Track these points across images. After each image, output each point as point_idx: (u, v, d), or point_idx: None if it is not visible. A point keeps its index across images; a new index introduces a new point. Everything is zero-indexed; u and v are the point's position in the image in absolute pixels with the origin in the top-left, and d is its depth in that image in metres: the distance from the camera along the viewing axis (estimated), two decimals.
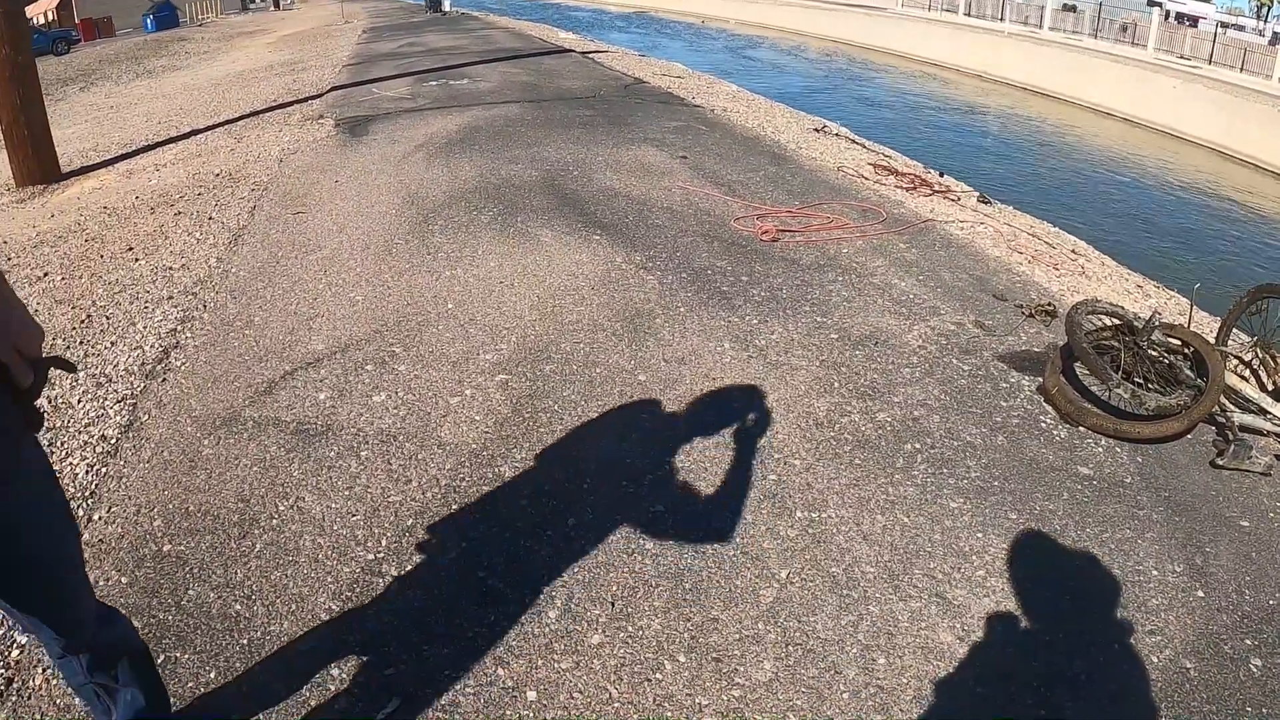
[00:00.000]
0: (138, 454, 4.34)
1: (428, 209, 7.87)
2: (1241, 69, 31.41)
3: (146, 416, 4.67)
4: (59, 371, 4.44)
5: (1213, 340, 6.14)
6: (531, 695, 3.07)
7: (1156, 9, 43.45)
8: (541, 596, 3.47)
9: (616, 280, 6.33)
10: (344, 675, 3.07)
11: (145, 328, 5.72)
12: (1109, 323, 5.88)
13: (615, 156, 10.11)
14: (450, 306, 5.79)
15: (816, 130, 13.35)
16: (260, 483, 4.09)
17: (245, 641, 3.19)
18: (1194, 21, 48.94)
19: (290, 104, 14.98)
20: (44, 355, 1.97)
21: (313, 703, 2.95)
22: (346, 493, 4.01)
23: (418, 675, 3.10)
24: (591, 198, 8.30)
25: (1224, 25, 48.23)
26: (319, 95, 15.54)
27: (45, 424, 4.45)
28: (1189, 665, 3.58)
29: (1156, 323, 5.63)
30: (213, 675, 3.04)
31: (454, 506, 3.94)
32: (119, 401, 4.81)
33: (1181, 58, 34.08)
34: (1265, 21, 54.75)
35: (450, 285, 6.12)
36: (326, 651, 3.16)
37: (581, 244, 6.96)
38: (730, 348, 5.50)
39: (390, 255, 6.70)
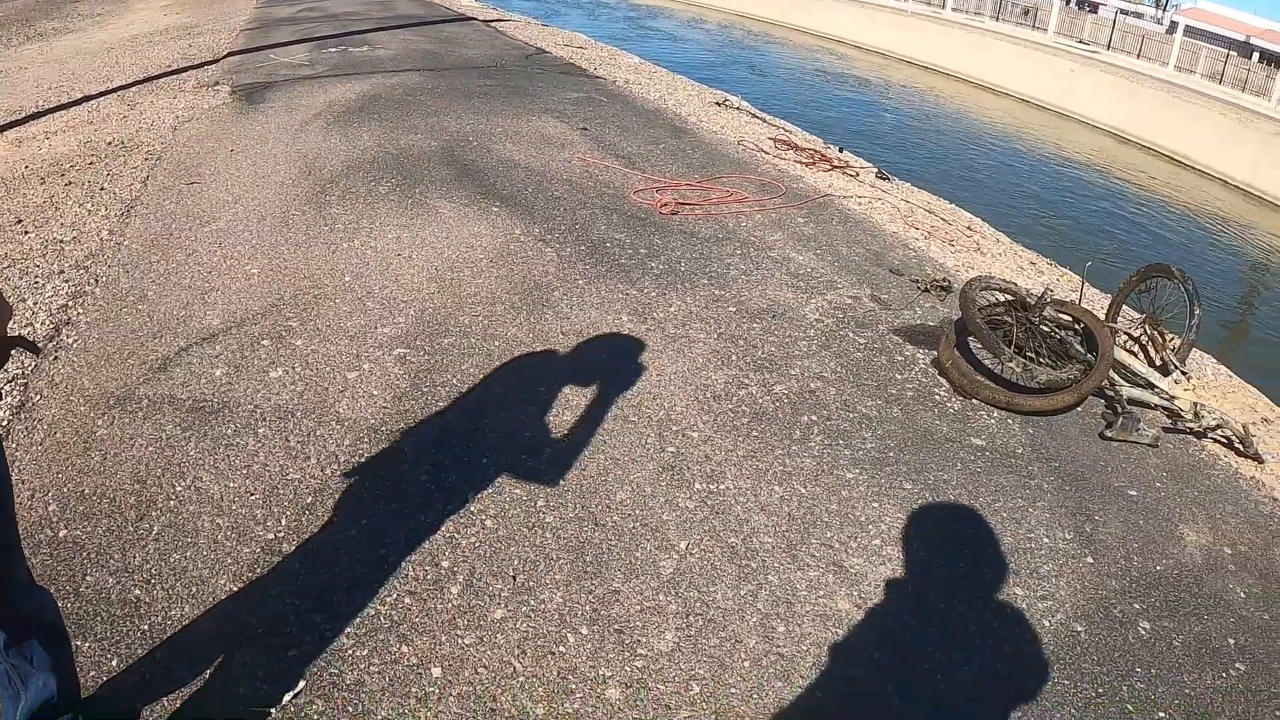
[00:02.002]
0: (30, 436, 4.18)
1: (325, 179, 7.69)
2: (1139, 55, 32.15)
3: (38, 397, 4.49)
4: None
5: (1103, 317, 6.33)
6: (436, 672, 3.05)
7: None
8: (443, 572, 3.45)
9: (515, 252, 6.27)
10: (248, 658, 3.02)
11: (35, 304, 5.48)
12: (1002, 298, 6.02)
13: (515, 127, 10.00)
14: (348, 279, 5.68)
15: (718, 104, 13.36)
16: (156, 463, 3.97)
17: (146, 627, 3.11)
18: (1094, 7, 49.94)
19: (185, 70, 14.46)
20: (9, 335, 1.93)
21: (217, 687, 2.90)
22: (245, 471, 3.92)
23: (322, 655, 3.06)
24: (491, 168, 8.21)
25: (1124, 12, 49.28)
26: (215, 61, 15.03)
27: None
28: (1080, 629, 3.71)
29: (1048, 299, 5.78)
30: (115, 663, 2.96)
31: (353, 483, 3.89)
32: (9, 382, 4.61)
33: (1081, 42, 34.71)
34: (1164, 10, 56.11)
35: (348, 257, 6.00)
36: (229, 634, 3.10)
37: (480, 215, 6.87)
38: (629, 320, 5.51)
39: (287, 227, 6.54)
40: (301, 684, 2.95)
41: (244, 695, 2.88)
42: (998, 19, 38.60)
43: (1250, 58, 36.01)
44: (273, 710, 2.85)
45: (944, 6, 40.86)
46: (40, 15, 32.26)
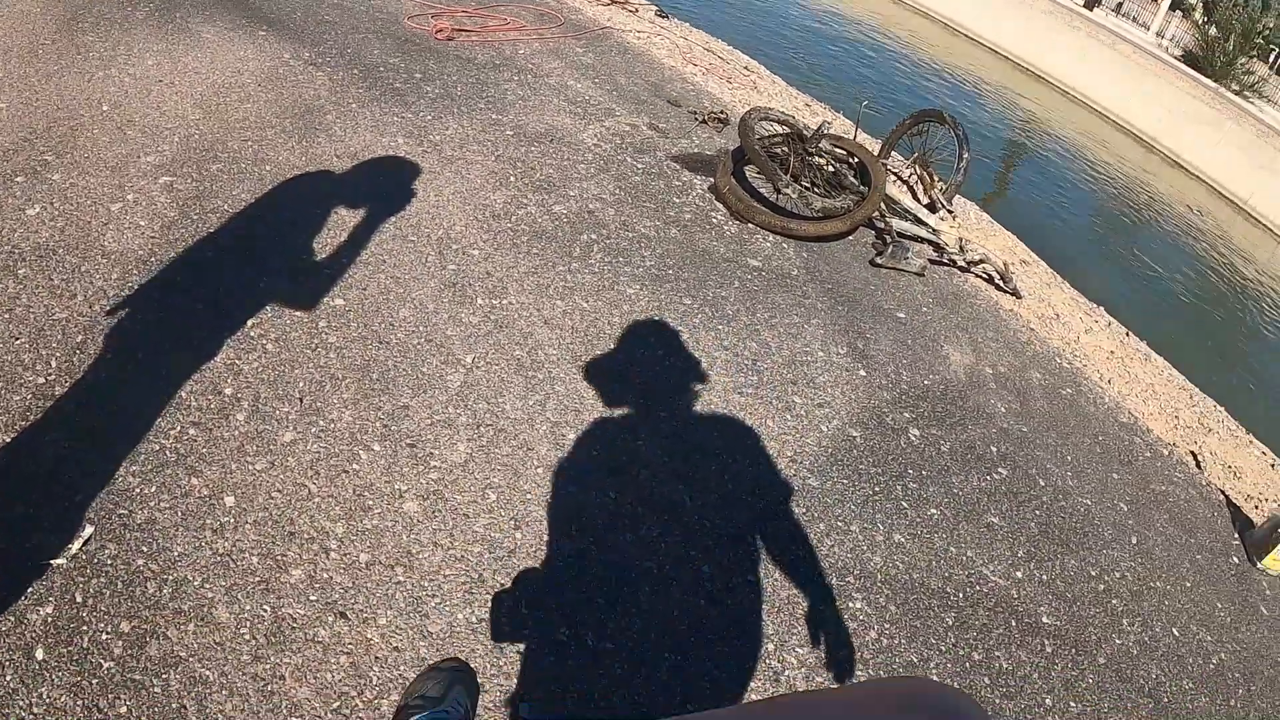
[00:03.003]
0: None
1: (75, 6, 6.71)
2: None
3: None
4: None
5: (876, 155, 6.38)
6: (230, 501, 2.83)
7: None
8: (227, 400, 3.17)
9: (285, 77, 5.67)
10: (29, 510, 2.69)
11: None
12: (780, 130, 5.96)
13: None
14: (105, 109, 4.99)
15: None
16: None
17: None
18: None
19: None
20: None
21: (1, 545, 2.58)
22: (7, 316, 3.43)
23: (107, 498, 2.77)
24: None
25: None
26: None
27: None
28: (855, 434, 3.81)
29: (825, 131, 5.75)
30: None
31: (125, 317, 3.48)
32: None
33: None
34: None
35: (104, 86, 5.26)
36: (6, 488, 2.76)
37: (246, 40, 6.18)
38: (404, 142, 5.12)
39: (36, 58, 5.70)
40: (90, 529, 2.67)
41: (30, 549, 2.58)
42: None
43: None
44: (61, 560, 2.57)
45: None
46: None
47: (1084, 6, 23.06)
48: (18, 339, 3.33)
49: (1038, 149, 17.87)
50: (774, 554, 3.23)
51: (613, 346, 3.90)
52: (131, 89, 5.25)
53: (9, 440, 2.91)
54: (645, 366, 3.84)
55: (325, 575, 2.69)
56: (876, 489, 3.64)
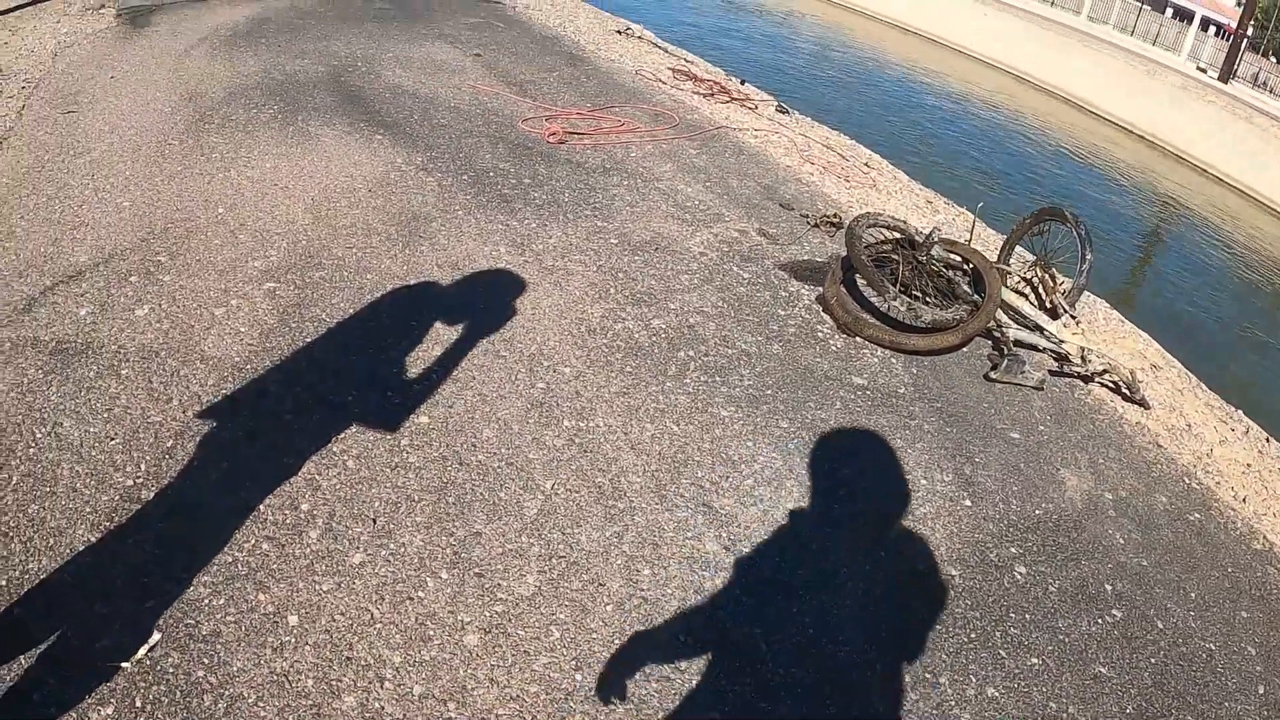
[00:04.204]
0: None
1: (206, 106, 7.25)
2: (1052, 3, 31.14)
3: None
4: None
5: (995, 258, 6.29)
6: (293, 620, 2.93)
7: None
8: (303, 516, 3.31)
9: (395, 182, 5.98)
10: (106, 610, 2.85)
11: None
12: (890, 236, 5.93)
13: (407, 53, 9.56)
14: (221, 211, 5.34)
15: (619, 32, 12.93)
16: (17, 409, 3.68)
17: (3, 582, 2.90)
18: None
19: None
20: None
21: (75, 643, 2.73)
22: (105, 415, 3.68)
23: (178, 607, 2.91)
24: (377, 95, 7.83)
25: None
26: None
27: None
28: (954, 572, 3.69)
29: (936, 238, 5.69)
30: None
31: (216, 425, 3.68)
32: None
33: None
34: None
35: (223, 188, 5.65)
36: (88, 587, 2.92)
37: (362, 144, 6.55)
38: (506, 251, 5.32)
39: (162, 157, 6.15)
40: (157, 636, 2.80)
41: (101, 650, 2.72)
42: None
43: (1164, 13, 35.25)
44: (127, 664, 2.70)
45: None
46: None
47: (1218, 79, 22.65)
48: (112, 439, 3.55)
49: (1171, 231, 17.39)
50: (852, 709, 3.14)
51: (700, 474, 3.91)
52: (248, 191, 5.59)
53: (93, 540, 3.09)
54: (731, 496, 3.83)
55: (377, 704, 2.74)
56: (972, 635, 3.51)
